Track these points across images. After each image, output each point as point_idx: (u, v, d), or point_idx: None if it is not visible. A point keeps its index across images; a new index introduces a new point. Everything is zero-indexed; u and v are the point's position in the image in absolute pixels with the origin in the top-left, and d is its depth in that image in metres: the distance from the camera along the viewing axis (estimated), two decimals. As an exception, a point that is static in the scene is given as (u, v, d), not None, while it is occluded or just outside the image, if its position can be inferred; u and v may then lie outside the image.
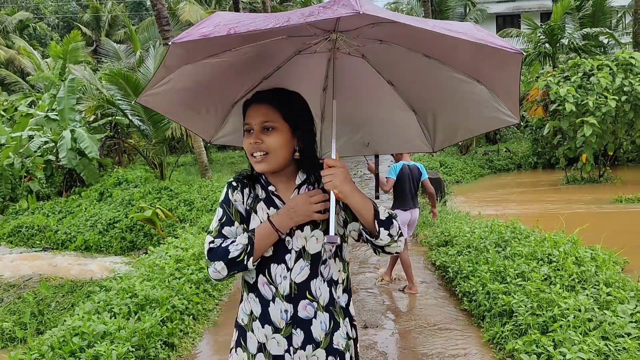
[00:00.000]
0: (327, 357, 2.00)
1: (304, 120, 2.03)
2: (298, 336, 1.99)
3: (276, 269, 1.98)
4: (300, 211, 1.93)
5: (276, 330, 1.99)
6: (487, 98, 2.19)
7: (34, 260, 11.52)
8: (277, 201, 2.01)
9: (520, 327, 4.22)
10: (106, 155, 18.06)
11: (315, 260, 1.99)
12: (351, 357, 2.04)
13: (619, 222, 9.99)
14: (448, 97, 2.32)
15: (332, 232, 1.91)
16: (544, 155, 17.89)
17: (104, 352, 3.62)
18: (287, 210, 1.95)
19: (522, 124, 19.15)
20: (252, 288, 2.01)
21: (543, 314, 4.14)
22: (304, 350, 1.99)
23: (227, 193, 2.02)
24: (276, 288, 1.98)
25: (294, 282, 1.98)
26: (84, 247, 12.48)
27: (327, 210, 1.93)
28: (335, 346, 2.00)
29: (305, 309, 1.98)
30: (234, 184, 2.04)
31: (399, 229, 1.93)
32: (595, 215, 10.55)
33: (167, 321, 4.54)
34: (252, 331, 2.02)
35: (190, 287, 5.32)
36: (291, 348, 1.99)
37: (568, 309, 4.03)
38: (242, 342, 2.05)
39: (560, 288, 4.48)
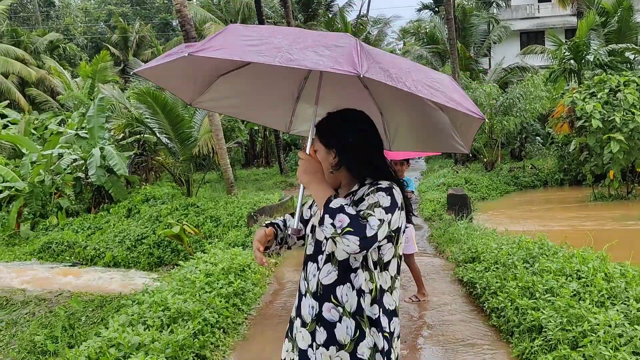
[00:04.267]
0: None
1: (338, 138, 2.16)
2: (321, 334, 2.08)
3: (310, 267, 2.15)
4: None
5: (303, 324, 2.13)
6: (448, 126, 2.50)
7: (64, 275, 11.76)
8: None
9: (550, 343, 4.21)
10: (134, 172, 18.38)
11: (343, 267, 2.07)
12: None
13: (648, 239, 9.85)
14: (417, 113, 2.58)
15: (295, 224, 2.17)
16: (571, 171, 17.73)
17: (140, 362, 3.72)
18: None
19: (547, 140, 19.04)
20: (298, 282, 2.21)
21: (573, 329, 4.13)
22: (327, 349, 2.07)
23: None
24: (308, 284, 2.14)
25: (321, 282, 2.10)
26: (113, 262, 12.70)
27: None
28: (359, 355, 2.05)
29: (329, 312, 2.07)
30: None
31: (346, 225, 1.87)
32: (623, 232, 10.43)
33: (199, 334, 4.63)
34: (293, 322, 2.21)
35: (220, 301, 5.40)
36: (314, 344, 2.10)
37: (598, 324, 4.02)
38: (289, 333, 2.26)
39: (589, 304, 4.46)
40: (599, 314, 4.20)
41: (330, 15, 29.76)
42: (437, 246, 9.24)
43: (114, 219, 14.74)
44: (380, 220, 1.92)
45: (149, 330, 4.43)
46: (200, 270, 6.33)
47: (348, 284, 2.06)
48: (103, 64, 25.68)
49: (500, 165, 19.97)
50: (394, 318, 2.13)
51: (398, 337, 2.17)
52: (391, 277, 2.12)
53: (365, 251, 1.91)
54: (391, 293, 2.12)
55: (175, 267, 11.95)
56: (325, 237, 2.11)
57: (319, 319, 2.08)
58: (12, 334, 8.39)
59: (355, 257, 2.04)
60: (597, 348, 3.77)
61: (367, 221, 1.89)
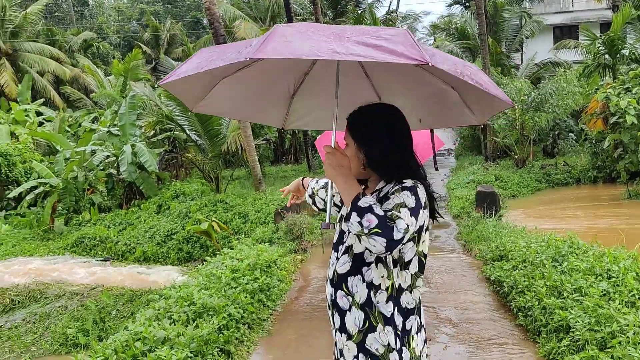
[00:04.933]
0: (357, 352, 2.11)
1: (367, 134, 2.17)
2: (337, 319, 2.18)
3: (332, 255, 2.25)
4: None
5: (328, 306, 2.25)
6: (458, 103, 2.50)
7: (96, 269, 12.01)
8: None
9: (578, 343, 4.13)
10: (164, 169, 18.65)
11: (358, 260, 2.12)
12: None
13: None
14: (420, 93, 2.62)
15: (327, 218, 2.20)
16: (604, 169, 17.32)
17: (165, 356, 3.77)
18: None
19: (581, 136, 18.65)
20: (323, 279, 2.42)
21: (601, 329, 4.04)
22: (341, 335, 2.18)
23: None
24: (329, 270, 2.24)
25: (337, 271, 2.18)
26: (143, 257, 12.90)
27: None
28: (367, 346, 2.09)
29: (341, 299, 2.15)
30: None
31: (374, 226, 1.88)
32: (659, 231, 10.15)
33: (224, 329, 4.67)
34: None
35: (246, 297, 5.45)
36: (334, 327, 2.23)
37: (628, 325, 3.92)
38: None
39: (619, 304, 4.36)
40: (629, 314, 4.10)
41: (359, 12, 29.62)
42: (465, 244, 9.15)
43: (144, 214, 14.97)
44: (407, 224, 1.92)
45: (175, 324, 4.49)
46: (226, 266, 6.39)
47: (359, 276, 2.10)
48: (135, 62, 26.06)
49: (532, 162, 19.63)
50: (410, 317, 2.14)
51: (418, 334, 2.18)
52: (411, 275, 2.12)
53: (390, 252, 1.92)
54: (411, 292, 2.13)
55: (204, 262, 12.12)
56: (348, 230, 2.14)
57: (334, 304, 2.18)
58: (45, 327, 8.60)
59: (371, 253, 2.06)
60: (626, 349, 3.68)
61: (395, 224, 1.89)
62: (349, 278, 2.12)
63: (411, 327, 2.14)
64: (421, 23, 76.70)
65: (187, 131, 15.17)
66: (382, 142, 2.13)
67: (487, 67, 20.13)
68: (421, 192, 2.04)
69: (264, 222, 12.20)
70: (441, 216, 2.25)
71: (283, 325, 5.56)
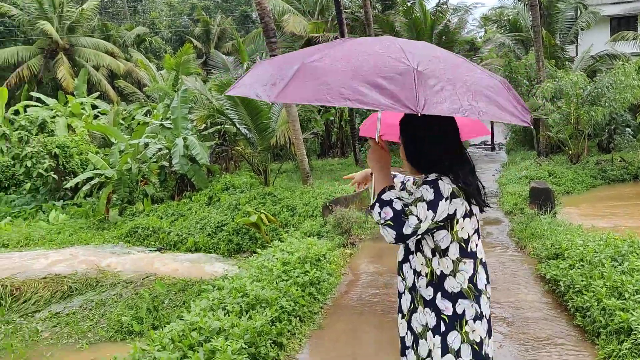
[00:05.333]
0: (407, 329, 2.41)
1: (408, 130, 2.40)
2: (399, 301, 2.49)
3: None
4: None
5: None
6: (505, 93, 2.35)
7: (149, 259, 12.33)
8: None
9: (641, 347, 3.99)
10: (214, 162, 18.94)
11: (406, 249, 2.41)
12: (429, 349, 2.26)
13: None
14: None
15: (371, 202, 2.35)
16: (664, 165, 16.62)
17: (220, 347, 3.84)
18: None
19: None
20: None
21: (667, 333, 3.90)
22: (399, 315, 2.47)
23: None
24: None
25: (397, 259, 2.48)
26: (194, 248, 13.18)
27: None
28: (412, 325, 2.37)
29: (399, 284, 2.47)
30: None
31: (388, 219, 2.16)
32: None
33: (276, 321, 4.73)
34: None
35: (297, 290, 5.49)
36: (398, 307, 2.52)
37: (695, 330, 3.77)
38: None
39: (686, 307, 4.19)
40: (696, 318, 3.93)
41: (408, 4, 29.26)
42: (518, 241, 8.94)
43: (195, 206, 15.26)
44: (418, 218, 2.14)
45: (229, 315, 4.56)
46: (277, 259, 6.45)
47: (408, 263, 2.38)
48: (186, 56, 26.55)
49: (587, 157, 19.00)
50: (460, 300, 2.25)
51: (477, 322, 2.25)
52: (453, 260, 2.26)
53: (400, 243, 2.22)
54: (454, 276, 2.26)
55: (253, 254, 12.26)
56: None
57: (397, 288, 2.50)
58: (101, 314, 8.89)
59: (412, 242, 2.31)
60: (693, 355, 3.53)
61: (407, 219, 2.15)
62: (404, 265, 2.42)
63: (463, 311, 2.24)
64: (472, 15, 75.26)
65: (237, 125, 15.35)
66: (418, 137, 2.34)
67: (540, 60, 19.58)
68: (443, 185, 2.19)
69: (312, 216, 12.25)
70: (488, 205, 2.36)
71: (333, 319, 5.58)
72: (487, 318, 2.31)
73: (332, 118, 28.26)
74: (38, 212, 18.51)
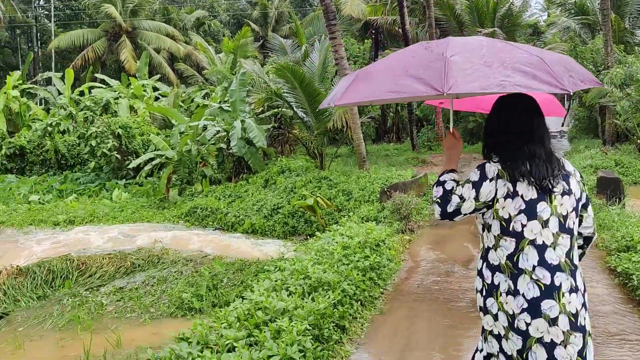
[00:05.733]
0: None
1: (487, 119, 2.68)
2: None
3: None
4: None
5: None
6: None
7: (208, 238, 12.61)
8: None
9: None
10: (270, 145, 19.13)
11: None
12: (480, 306, 2.58)
13: None
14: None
15: None
16: None
17: (286, 327, 3.88)
18: None
19: None
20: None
21: None
22: None
23: None
24: None
25: None
26: (251, 229, 13.37)
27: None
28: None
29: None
30: None
31: (437, 197, 2.55)
32: None
33: (338, 304, 4.73)
34: None
35: (357, 274, 5.48)
36: None
37: None
38: None
39: None
40: None
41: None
42: (584, 232, 8.61)
43: (252, 188, 15.46)
44: (461, 198, 2.47)
45: (292, 296, 4.60)
46: (337, 243, 6.45)
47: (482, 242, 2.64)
48: (244, 39, 26.79)
49: (657, 147, 18.11)
50: (497, 273, 2.48)
51: (511, 296, 2.42)
52: (494, 236, 2.49)
53: (446, 220, 2.54)
54: (495, 250, 2.49)
55: (309, 237, 12.34)
56: None
57: None
58: (162, 290, 9.12)
59: (480, 222, 2.59)
60: None
61: (451, 199, 2.49)
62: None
63: (499, 283, 2.47)
64: (535, -3, 72.53)
65: (294, 108, 15.41)
66: (490, 126, 2.62)
67: (609, 45, 18.74)
68: (489, 167, 2.46)
69: (368, 200, 12.19)
70: (553, 186, 2.44)
71: (395, 304, 5.54)
72: (527, 298, 2.38)
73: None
74: (102, 190, 19.23)
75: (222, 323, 4.15)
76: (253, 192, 15.18)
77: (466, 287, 5.92)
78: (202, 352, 3.70)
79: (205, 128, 17.54)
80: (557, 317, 2.37)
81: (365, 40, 27.76)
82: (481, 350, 2.64)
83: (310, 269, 5.21)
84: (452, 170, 2.61)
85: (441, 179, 2.57)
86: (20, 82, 26.35)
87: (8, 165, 22.23)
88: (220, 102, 19.54)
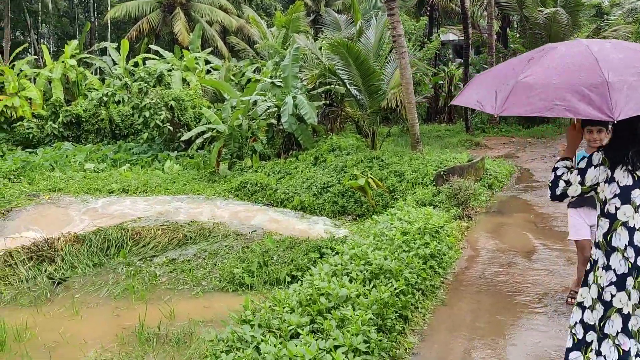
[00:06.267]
0: None
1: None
2: None
3: None
4: None
5: None
6: None
7: (257, 214, 12.64)
8: None
9: None
10: (320, 122, 18.97)
11: None
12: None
13: None
14: None
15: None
16: None
17: (350, 316, 3.76)
18: None
19: None
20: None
21: None
22: None
23: None
24: None
25: None
26: (300, 207, 13.31)
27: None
28: None
29: None
30: None
31: (549, 181, 2.97)
32: None
33: (401, 294, 4.59)
34: None
35: (418, 262, 5.31)
36: None
37: None
38: None
39: None
40: None
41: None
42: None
43: (302, 165, 15.38)
44: (567, 183, 2.90)
45: (354, 283, 4.48)
46: (395, 228, 6.29)
47: None
48: (296, 14, 26.50)
49: None
50: (596, 249, 2.90)
51: (604, 270, 2.82)
52: (597, 216, 2.90)
53: (556, 201, 2.99)
54: (597, 228, 2.93)
55: (358, 217, 12.21)
56: None
57: None
58: (214, 263, 9.17)
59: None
60: None
61: (558, 184, 2.91)
62: None
63: (597, 259, 2.89)
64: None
65: (348, 85, 15.17)
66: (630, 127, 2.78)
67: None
68: (596, 156, 2.85)
69: (421, 183, 11.94)
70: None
71: (456, 295, 5.36)
72: (617, 273, 2.76)
73: (441, 82, 27.36)
74: (154, 161, 19.52)
75: (284, 307, 4.06)
76: (303, 169, 15.09)
77: (530, 281, 5.69)
78: (264, 336, 3.63)
79: (256, 103, 17.50)
80: (631, 292, 2.73)
81: (421, 18, 27.10)
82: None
83: (371, 254, 5.08)
84: (568, 158, 2.99)
85: (556, 165, 2.96)
86: (78, 51, 26.87)
87: (65, 132, 22.81)
88: (272, 77, 19.44)
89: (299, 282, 4.64)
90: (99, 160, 19.84)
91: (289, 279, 7.81)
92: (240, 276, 8.23)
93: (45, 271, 9.17)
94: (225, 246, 9.99)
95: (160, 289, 8.28)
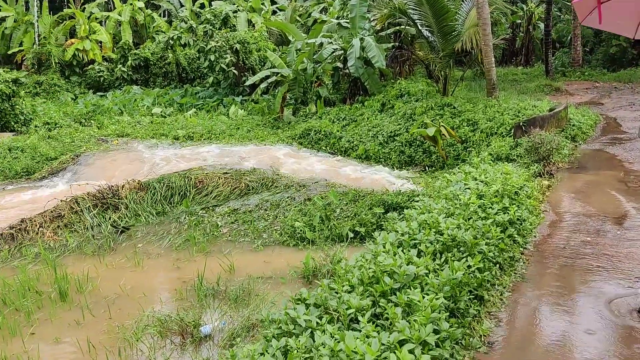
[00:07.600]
0: None
1: None
2: None
3: None
4: None
5: None
6: None
7: (321, 163, 12.25)
8: None
9: None
10: (388, 65, 18.08)
11: None
12: None
13: None
14: None
15: None
16: None
17: (418, 302, 3.29)
18: None
19: None
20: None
21: None
22: None
23: None
24: None
25: None
26: (365, 156, 12.80)
27: None
28: None
29: None
30: None
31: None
32: None
33: (476, 270, 4.06)
34: None
35: (496, 231, 4.72)
36: None
37: None
38: None
39: None
40: None
41: None
42: None
43: (368, 112, 14.74)
44: None
45: (423, 257, 3.99)
46: (470, 189, 5.68)
47: None
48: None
49: None
50: None
51: None
52: None
53: None
54: None
55: (426, 168, 11.59)
56: None
57: None
58: (275, 215, 8.89)
59: None
60: None
61: None
62: None
63: None
64: None
65: (419, 26, 14.21)
66: None
67: None
68: None
69: (496, 134, 11.11)
70: None
71: (538, 269, 4.77)
72: None
73: (519, 21, 25.54)
74: (219, 105, 19.36)
75: (343, 284, 3.64)
76: (369, 116, 14.46)
77: (625, 253, 4.99)
78: (320, 319, 3.24)
79: (321, 45, 16.81)
80: None
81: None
82: None
83: (442, 223, 4.54)
84: None
85: None
86: (144, -7, 26.76)
87: (133, 76, 23.00)
88: (338, 17, 18.58)
89: (361, 257, 4.16)
90: (166, 105, 19.90)
91: (352, 235, 7.47)
92: (301, 230, 7.94)
93: (110, 219, 9.20)
94: (287, 197, 9.66)
95: (221, 240, 8.13)
